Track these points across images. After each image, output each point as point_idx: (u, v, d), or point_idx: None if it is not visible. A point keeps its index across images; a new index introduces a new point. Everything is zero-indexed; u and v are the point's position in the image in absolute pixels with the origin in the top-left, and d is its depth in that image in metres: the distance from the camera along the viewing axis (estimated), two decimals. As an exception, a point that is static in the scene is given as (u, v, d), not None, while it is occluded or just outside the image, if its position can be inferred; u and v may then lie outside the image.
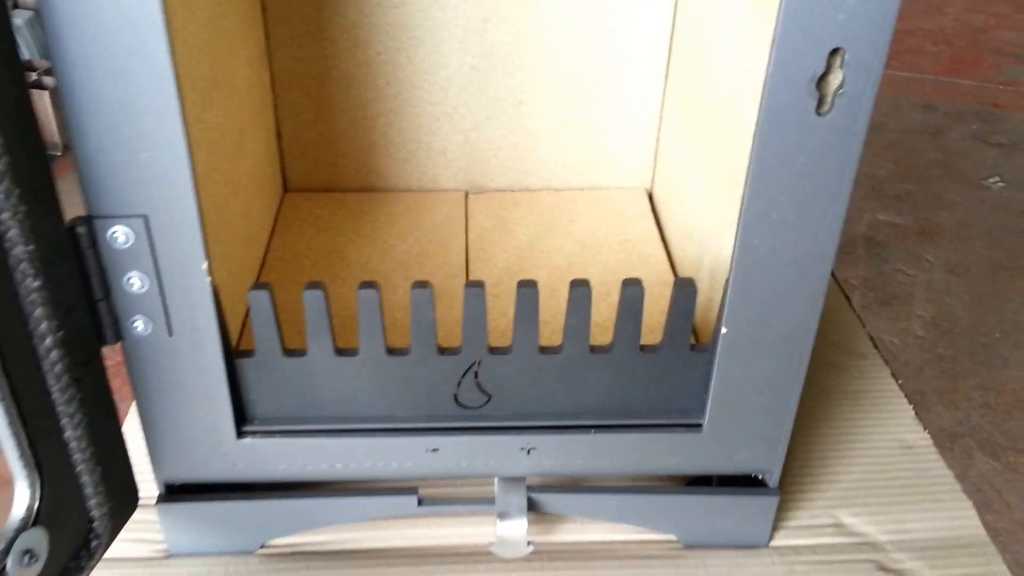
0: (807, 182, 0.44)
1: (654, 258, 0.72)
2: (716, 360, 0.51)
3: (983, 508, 0.64)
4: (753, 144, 0.43)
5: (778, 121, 0.42)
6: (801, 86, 0.41)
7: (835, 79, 0.41)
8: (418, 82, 0.75)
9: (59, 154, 1.46)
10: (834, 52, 0.41)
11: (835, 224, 0.45)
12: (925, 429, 0.68)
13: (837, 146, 0.43)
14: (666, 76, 0.75)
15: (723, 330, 0.49)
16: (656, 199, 0.79)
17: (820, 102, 0.42)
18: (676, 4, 0.72)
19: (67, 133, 0.44)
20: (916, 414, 0.70)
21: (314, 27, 0.72)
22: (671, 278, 0.69)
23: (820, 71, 0.41)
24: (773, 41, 0.40)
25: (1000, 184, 1.41)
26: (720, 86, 0.58)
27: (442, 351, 0.51)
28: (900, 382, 0.73)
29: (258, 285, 0.49)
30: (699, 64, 0.64)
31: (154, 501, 0.56)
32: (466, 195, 0.80)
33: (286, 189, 0.81)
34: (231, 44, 0.61)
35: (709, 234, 0.60)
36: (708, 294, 0.60)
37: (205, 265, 0.47)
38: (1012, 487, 0.65)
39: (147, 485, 0.54)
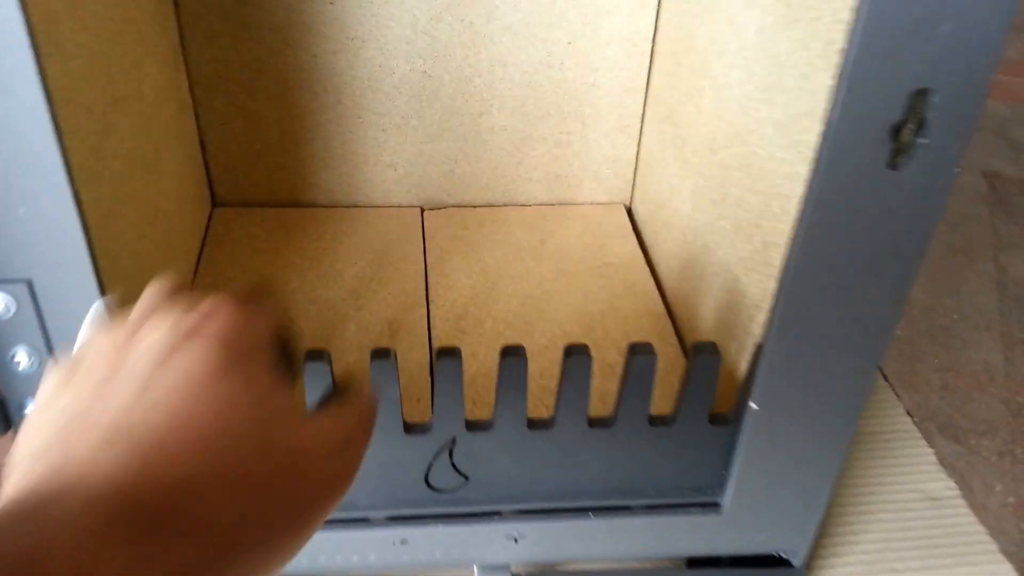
0: (873, 244, 0.34)
1: (640, 286, 0.62)
2: (742, 435, 0.41)
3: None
4: (807, 196, 0.33)
5: (838, 174, 0.32)
6: (872, 133, 0.31)
7: (916, 126, 0.32)
8: (360, 89, 0.63)
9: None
10: (919, 94, 0.31)
11: (900, 296, 0.36)
12: (950, 476, 0.60)
13: (911, 206, 0.33)
14: (648, 81, 0.65)
15: (752, 406, 0.40)
16: (637, 217, 0.69)
17: (895, 153, 0.32)
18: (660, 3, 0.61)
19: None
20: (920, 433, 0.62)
21: (235, 25, 0.60)
22: (661, 309, 0.60)
23: (898, 117, 0.31)
24: (841, 78, 0.30)
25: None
26: (726, 109, 0.48)
27: (409, 429, 0.41)
28: (916, 420, 0.65)
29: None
30: (693, 75, 0.54)
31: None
32: (421, 211, 0.69)
33: (215, 204, 0.69)
34: (136, 50, 0.49)
35: (714, 271, 0.51)
36: (712, 337, 0.51)
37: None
38: (974, 470, 0.60)
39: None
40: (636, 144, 0.68)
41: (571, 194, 0.70)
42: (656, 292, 0.61)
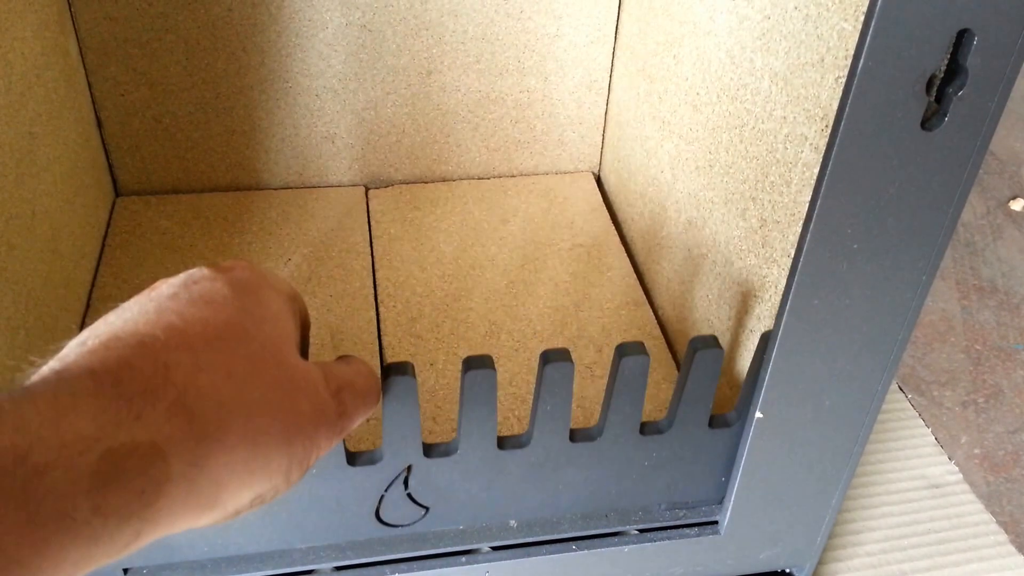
0: (898, 220, 0.31)
1: (616, 269, 0.58)
2: (745, 445, 0.38)
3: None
4: (825, 164, 0.30)
5: (863, 138, 0.29)
6: (905, 87, 0.28)
7: (952, 79, 0.28)
8: (288, 48, 0.58)
9: None
10: (959, 37, 0.28)
11: (927, 272, 0.33)
12: (951, 459, 0.58)
13: (943, 173, 0.30)
14: (616, 29, 0.61)
15: (758, 414, 0.37)
16: (608, 186, 0.66)
17: (929, 111, 0.29)
18: (629, -67, 0.57)
19: None
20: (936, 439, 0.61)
21: (134, -26, 0.54)
22: (640, 296, 0.56)
23: (936, 65, 0.28)
24: (869, 19, 0.27)
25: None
26: (712, 59, 0.44)
27: (353, 459, 0.37)
28: (910, 397, 0.64)
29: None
30: (670, 20, 0.51)
31: None
32: (366, 191, 0.65)
33: (117, 193, 0.63)
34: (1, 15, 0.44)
35: (701, 252, 0.47)
36: (705, 328, 0.48)
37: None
38: (939, 422, 0.61)
39: None
40: (604, 102, 0.64)
41: (534, 162, 0.66)
42: (634, 276, 0.58)
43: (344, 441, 0.36)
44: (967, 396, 0.66)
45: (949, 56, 0.28)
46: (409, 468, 0.37)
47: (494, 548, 0.40)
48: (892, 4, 0.27)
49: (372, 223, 0.62)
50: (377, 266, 0.58)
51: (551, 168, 0.67)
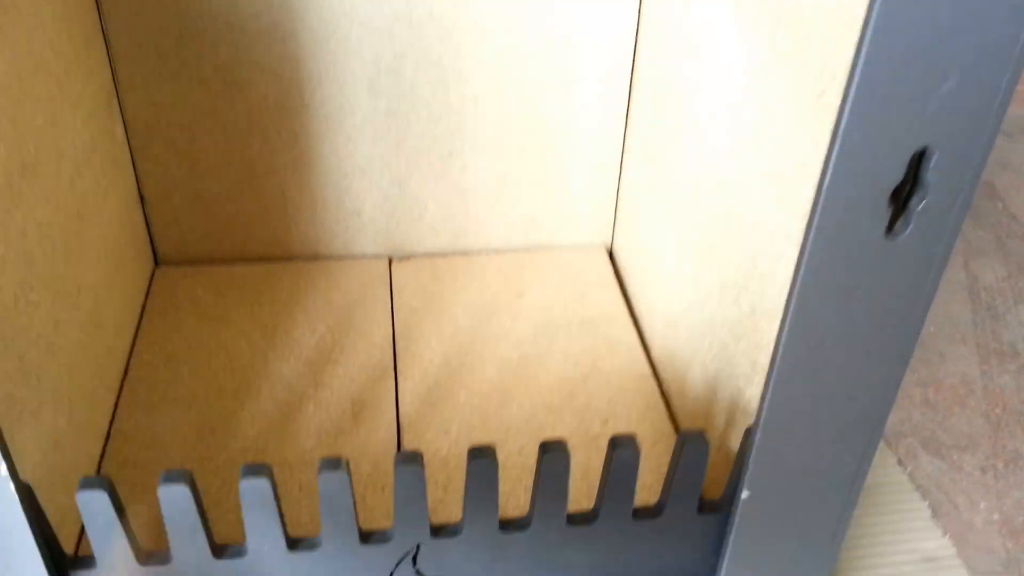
0: (868, 318, 0.34)
1: (624, 344, 0.61)
2: (734, 525, 0.41)
3: (934, 511, 0.61)
4: (798, 268, 0.33)
5: (835, 242, 0.32)
6: (869, 198, 0.31)
7: (916, 190, 0.31)
8: (319, 131, 0.62)
9: None
10: (919, 155, 0.31)
11: (898, 369, 0.35)
12: (945, 534, 0.60)
13: (909, 276, 0.33)
14: (627, 118, 0.64)
15: (744, 494, 0.39)
16: (619, 261, 0.69)
17: (894, 219, 0.32)
18: (638, 31, 0.61)
19: None
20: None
21: (176, 65, 0.59)
22: (647, 370, 0.59)
23: (897, 180, 0.31)
24: (835, 136, 0.30)
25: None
26: (710, 154, 0.48)
27: (365, 538, 0.40)
28: (909, 470, 0.65)
29: (88, 482, 0.37)
30: (675, 115, 0.54)
31: None
32: (389, 262, 0.69)
33: (157, 263, 0.68)
34: (54, 104, 0.48)
35: (701, 332, 0.50)
36: (703, 408, 0.51)
37: (3, 470, 0.35)
38: (958, 487, 0.62)
39: None
40: (616, 182, 0.67)
41: (549, 237, 0.70)
42: (640, 350, 0.61)
43: (357, 520, 0.39)
44: (986, 461, 0.67)
45: (911, 171, 0.31)
46: (417, 547, 0.40)
47: (496, 622, 0.42)
48: (856, 121, 0.30)
49: (394, 294, 0.65)
50: (397, 337, 0.62)
51: (565, 243, 0.70)
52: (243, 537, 0.39)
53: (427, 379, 0.58)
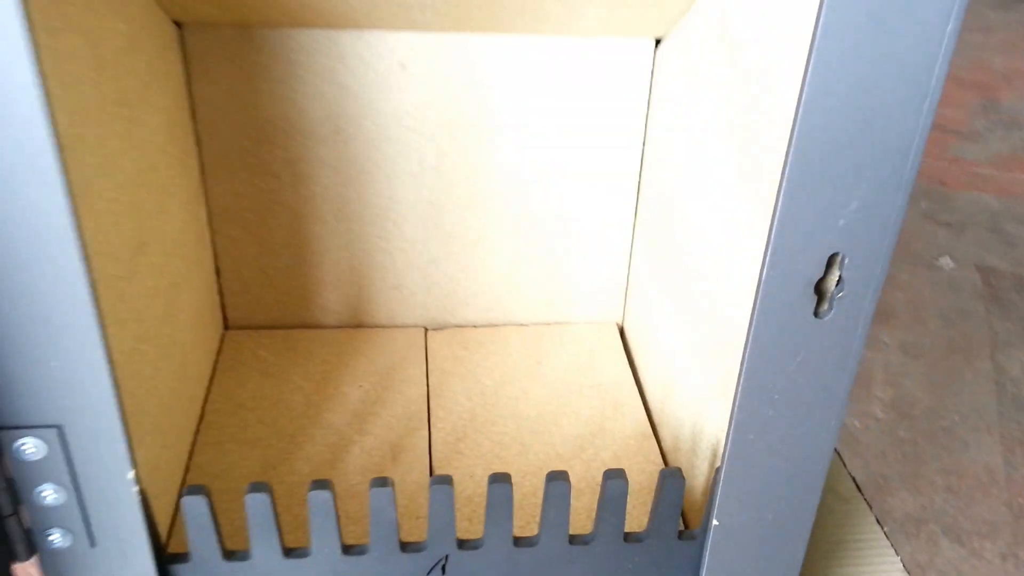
0: (805, 381, 0.44)
1: (629, 407, 0.71)
2: (707, 551, 0.49)
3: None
4: (747, 343, 0.43)
5: (773, 322, 0.42)
6: (797, 289, 0.41)
7: (833, 282, 0.42)
8: (370, 217, 0.74)
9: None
10: (832, 257, 0.41)
11: (834, 420, 0.45)
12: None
13: (836, 346, 0.43)
14: (636, 211, 0.75)
15: (714, 522, 0.48)
16: (628, 336, 0.79)
17: (818, 303, 0.42)
18: (645, 142, 0.73)
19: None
20: (877, 502, 0.69)
21: (254, 161, 0.71)
22: (648, 430, 0.69)
23: (818, 275, 0.41)
24: (768, 240, 0.40)
25: (951, 264, 1.47)
26: (695, 245, 0.58)
27: (405, 547, 0.49)
28: (886, 530, 0.73)
29: (193, 489, 0.47)
30: (672, 208, 0.65)
31: None
32: (426, 331, 0.79)
33: (226, 326, 0.79)
34: (161, 194, 0.60)
35: (691, 395, 0.60)
36: (691, 460, 0.60)
37: (131, 474, 0.45)
38: (978, 573, 0.65)
39: None
40: (626, 268, 0.78)
41: (566, 314, 0.80)
42: (643, 412, 0.70)
43: (399, 532, 0.49)
44: (1007, 549, 0.72)
45: (829, 268, 0.41)
46: (446, 557, 0.50)
47: (509, 626, 0.51)
48: (785, 231, 0.40)
49: (429, 359, 0.76)
50: (431, 395, 0.72)
51: (581, 318, 0.80)
52: (306, 542, 0.48)
53: (456, 430, 0.68)
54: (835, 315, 0.42)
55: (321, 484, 0.46)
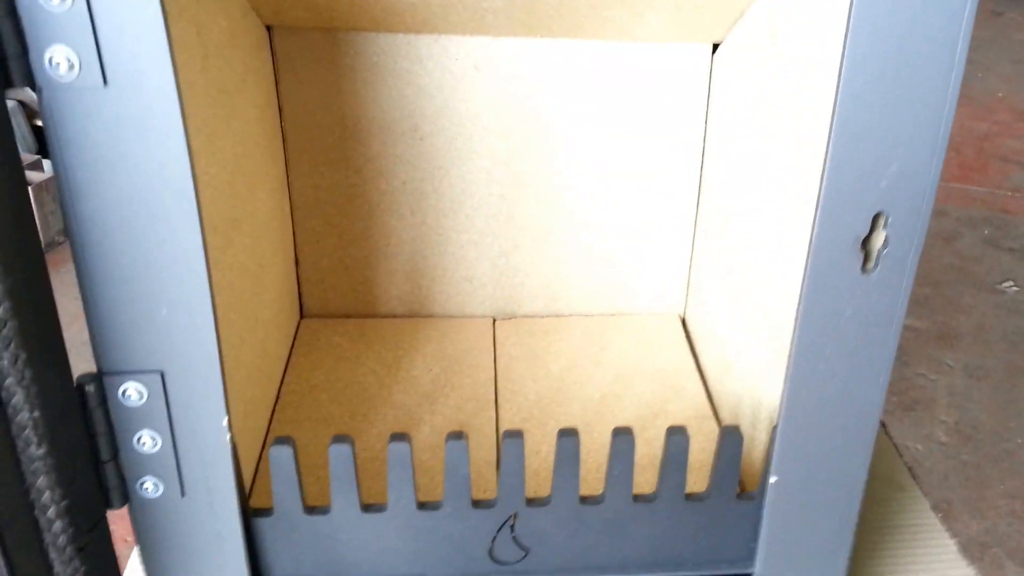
0: (854, 336, 0.46)
1: (689, 391, 0.73)
2: (765, 508, 0.52)
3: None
4: (800, 300, 0.45)
5: (824, 279, 0.45)
6: (846, 246, 0.44)
7: (879, 240, 0.44)
8: (444, 210, 0.78)
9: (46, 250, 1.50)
10: (877, 216, 0.44)
11: (883, 373, 0.47)
12: (970, 564, 0.67)
13: (883, 302, 0.45)
14: (697, 205, 0.78)
15: (772, 479, 0.51)
16: (689, 326, 0.81)
17: (865, 261, 0.44)
18: (704, 140, 0.76)
19: (80, 285, 0.44)
20: (945, 525, 0.70)
21: (336, 156, 0.76)
22: (708, 412, 0.71)
23: (864, 233, 0.44)
24: (817, 203, 0.43)
25: (1014, 288, 1.48)
26: (753, 229, 0.61)
27: (476, 504, 0.53)
28: (940, 516, 0.74)
29: (280, 440, 0.51)
30: (730, 201, 0.68)
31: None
32: (494, 321, 0.83)
33: (303, 315, 0.84)
34: (253, 179, 0.65)
35: (749, 372, 0.62)
36: (750, 433, 0.62)
37: (225, 421, 0.49)
38: None
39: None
40: (688, 262, 0.80)
41: (629, 304, 0.83)
42: (703, 396, 0.72)
43: (472, 490, 0.52)
44: None
45: (874, 227, 0.43)
46: (515, 515, 0.53)
47: (575, 581, 0.54)
48: (833, 194, 0.43)
49: (497, 346, 0.79)
50: (498, 379, 0.75)
51: (644, 310, 0.83)
52: (384, 499, 0.52)
53: (523, 411, 0.71)
54: (881, 271, 0.44)
55: (400, 437, 0.50)
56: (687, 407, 0.71)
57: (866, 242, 0.44)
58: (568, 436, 0.50)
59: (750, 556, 0.54)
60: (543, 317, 0.83)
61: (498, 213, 0.78)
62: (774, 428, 0.50)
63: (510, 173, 0.76)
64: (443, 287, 0.82)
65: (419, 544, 0.53)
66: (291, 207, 0.78)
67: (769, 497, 0.51)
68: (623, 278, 0.82)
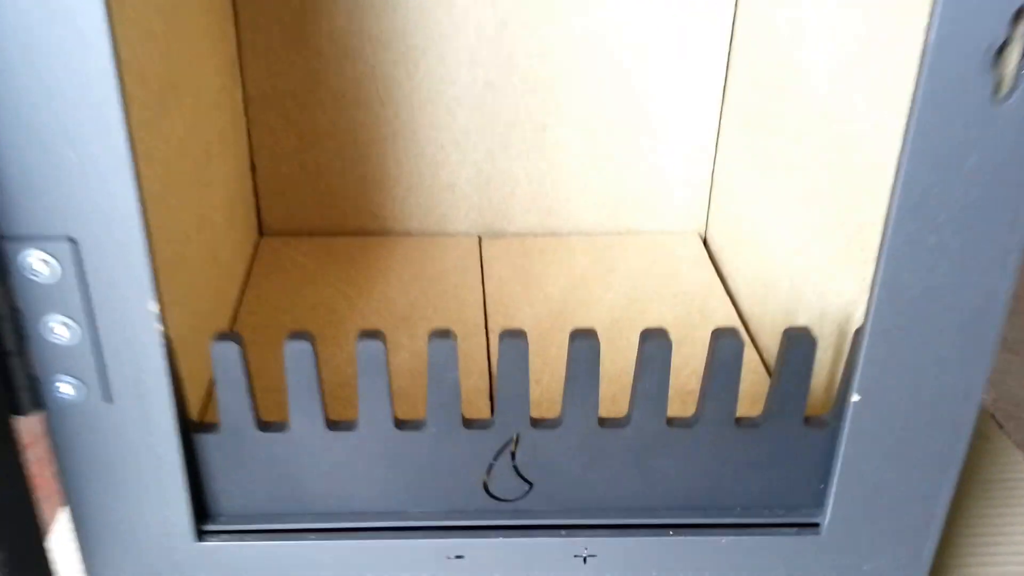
0: (978, 193, 0.34)
1: (721, 312, 0.61)
2: (843, 437, 0.40)
3: None
4: (904, 144, 0.33)
5: (937, 112, 0.32)
6: (972, 62, 0.32)
7: (1018, 51, 0.32)
8: (420, 102, 0.65)
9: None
10: (1020, 12, 0.31)
11: (1015, 248, 0.35)
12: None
13: (1018, 147, 0.33)
14: (724, 93, 0.66)
15: (853, 398, 0.39)
16: (714, 246, 0.69)
17: (998, 84, 0.32)
18: (737, 4, 0.63)
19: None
20: None
21: (295, 34, 0.63)
22: (745, 338, 0.59)
23: (1000, 40, 0.31)
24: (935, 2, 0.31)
25: None
26: (813, 93, 0.49)
27: (468, 424, 0.41)
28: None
29: (224, 335, 0.39)
30: (775, 69, 0.55)
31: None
32: (480, 240, 0.71)
33: (261, 233, 0.71)
34: (196, 46, 0.52)
35: (805, 280, 0.50)
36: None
37: (155, 307, 0.37)
38: None
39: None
40: (711, 165, 0.68)
41: (640, 221, 0.71)
42: (738, 320, 0.61)
43: (462, 407, 0.40)
44: None
45: (1014, 29, 0.31)
46: (517, 437, 0.41)
47: (593, 525, 0.42)
48: None
49: (484, 267, 0.67)
50: (488, 303, 0.63)
51: (657, 227, 0.71)
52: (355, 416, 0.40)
53: (519, 335, 0.59)
54: (1020, 98, 0.32)
55: (371, 334, 0.38)
56: (715, 330, 0.59)
57: (1000, 56, 0.32)
58: (585, 338, 0.38)
59: (817, 501, 0.42)
60: (537, 236, 0.71)
61: (482, 104, 0.65)
62: (857, 332, 0.38)
63: (498, 53, 0.64)
64: (421, 198, 0.69)
65: (396, 474, 0.41)
66: (244, 99, 0.65)
67: (849, 422, 0.39)
68: (633, 188, 0.70)
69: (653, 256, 0.68)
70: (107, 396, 0.38)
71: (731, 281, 0.64)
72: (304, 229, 0.71)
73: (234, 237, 0.62)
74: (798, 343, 0.38)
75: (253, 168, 0.68)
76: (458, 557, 0.42)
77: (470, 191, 0.69)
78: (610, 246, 0.70)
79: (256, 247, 0.69)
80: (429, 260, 0.68)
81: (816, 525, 0.42)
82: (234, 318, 0.61)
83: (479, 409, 0.52)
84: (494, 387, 0.55)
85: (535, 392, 0.54)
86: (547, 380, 0.55)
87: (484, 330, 0.60)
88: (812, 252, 0.49)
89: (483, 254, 0.69)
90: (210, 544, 0.42)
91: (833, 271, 0.46)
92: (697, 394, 0.50)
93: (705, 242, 0.71)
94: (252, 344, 0.57)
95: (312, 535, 0.42)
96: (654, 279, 0.65)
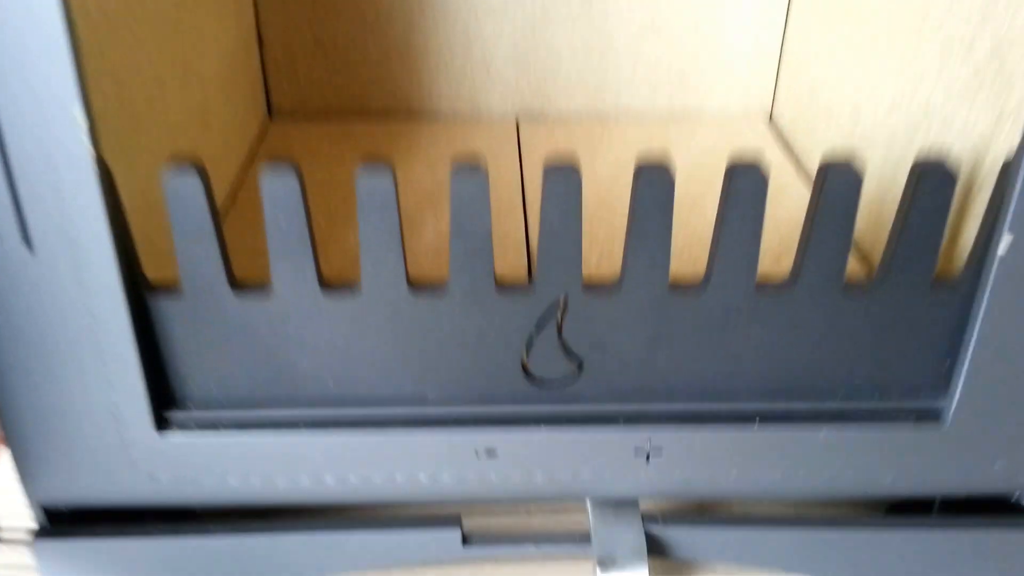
0: None
1: (794, 187, 0.52)
2: (982, 301, 0.31)
3: None
4: None
5: None
6: None
7: None
8: (451, -43, 0.56)
9: None
10: None
11: None
12: None
13: None
14: (803, -60, 0.56)
15: (1004, 239, 0.30)
16: (783, 128, 0.60)
17: None
18: None
19: None
20: None
21: None
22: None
23: None
24: None
25: None
26: None
27: (502, 286, 0.32)
28: None
29: (180, 158, 0.30)
30: None
31: (26, 537, 0.38)
32: (517, 122, 0.62)
33: (270, 114, 0.63)
34: None
35: (913, 131, 0.41)
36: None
37: (82, 119, 0.28)
38: None
39: (17, 513, 0.39)
40: (783, 25, 0.59)
41: (699, 99, 0.61)
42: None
43: (494, 266, 0.31)
44: None
45: None
46: (565, 302, 0.32)
47: (658, 414, 0.34)
48: None
49: (522, 149, 0.58)
50: (526, 182, 0.54)
51: (718, 107, 0.62)
52: (357, 277, 0.32)
53: (562, 216, 0.50)
54: None
55: (375, 166, 0.29)
56: (792, 209, 0.51)
57: None
58: (654, 170, 0.29)
59: (941, 383, 0.33)
60: (581, 119, 0.62)
61: (526, -40, 0.56)
62: (1005, 166, 0.29)
63: None
64: (452, 75, 0.60)
65: (411, 349, 0.33)
66: (248, -40, 0.57)
67: (992, 280, 0.30)
68: (690, 63, 0.60)
69: (715, 137, 0.59)
70: (28, 243, 0.30)
71: (806, 161, 0.55)
72: (318, 111, 0.62)
73: (235, 114, 0.54)
74: (932, 180, 0.29)
75: (260, 41, 0.59)
76: (489, 453, 0.34)
77: (507, 68, 0.60)
78: (665, 127, 0.61)
79: (264, 130, 0.61)
80: (460, 145, 0.59)
81: (938, 413, 0.33)
82: (232, 196, 0.53)
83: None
84: (533, 265, 0.47)
85: (584, 272, 0.45)
86: (595, 262, 0.47)
87: (523, 210, 0.51)
88: (921, 97, 0.40)
89: (521, 139, 0.60)
90: (174, 436, 0.34)
91: (954, 108, 0.37)
92: (770, 274, 0.41)
93: (772, 122, 0.61)
94: (253, 225, 0.50)
95: (303, 426, 0.34)
96: (716, 156, 0.56)
